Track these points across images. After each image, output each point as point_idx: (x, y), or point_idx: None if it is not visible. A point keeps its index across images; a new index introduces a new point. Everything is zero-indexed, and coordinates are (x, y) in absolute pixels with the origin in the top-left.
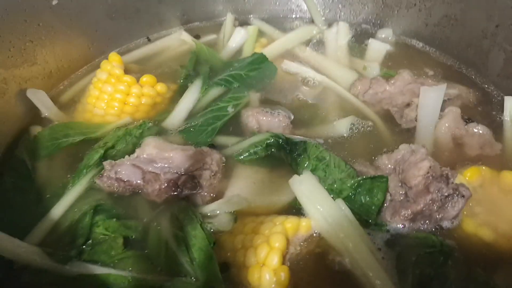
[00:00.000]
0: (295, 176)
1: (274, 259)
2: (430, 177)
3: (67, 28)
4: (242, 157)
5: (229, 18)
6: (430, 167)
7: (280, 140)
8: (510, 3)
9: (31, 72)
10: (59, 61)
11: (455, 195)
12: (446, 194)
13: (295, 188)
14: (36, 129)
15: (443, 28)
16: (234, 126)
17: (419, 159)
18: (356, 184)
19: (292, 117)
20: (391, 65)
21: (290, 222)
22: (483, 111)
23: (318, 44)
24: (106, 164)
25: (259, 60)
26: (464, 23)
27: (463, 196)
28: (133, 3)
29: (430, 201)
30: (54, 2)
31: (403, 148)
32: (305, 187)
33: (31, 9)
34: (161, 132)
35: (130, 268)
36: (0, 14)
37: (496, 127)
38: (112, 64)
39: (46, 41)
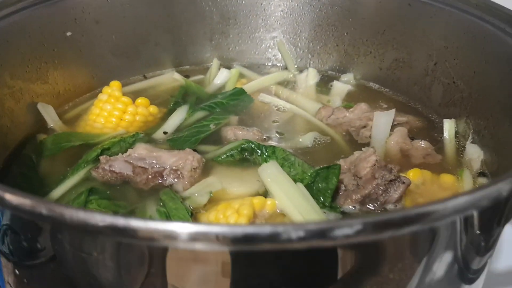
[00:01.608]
0: (263, 164)
1: (242, 222)
2: (376, 167)
3: (77, 57)
4: (220, 158)
5: (215, 63)
6: (376, 160)
7: (253, 145)
8: (443, 43)
9: (43, 89)
10: (66, 84)
11: (397, 181)
12: (389, 179)
13: (262, 173)
14: (42, 136)
15: (394, 71)
16: (214, 138)
17: (367, 155)
18: (314, 173)
19: (265, 136)
20: (351, 101)
21: (257, 199)
22: (427, 134)
23: (290, 84)
24: (102, 158)
25: (239, 93)
26: (410, 64)
27: (403, 182)
28: (134, 45)
29: (376, 185)
30: (68, 34)
31: (357, 153)
32: (271, 171)
33: (49, 36)
34: (151, 141)
35: None
36: (24, 36)
37: (438, 146)
38: (112, 88)
39: (58, 65)
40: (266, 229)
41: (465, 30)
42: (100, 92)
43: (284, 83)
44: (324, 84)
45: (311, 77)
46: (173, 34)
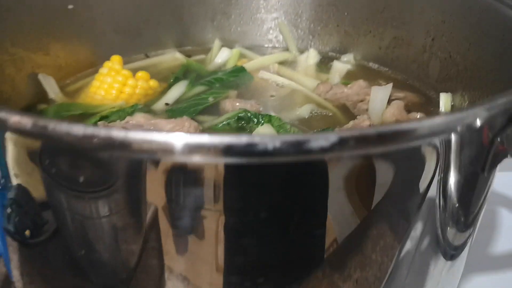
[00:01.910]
0: (258, 127)
1: None
2: None
3: (78, 32)
4: (217, 127)
5: (216, 44)
6: (369, 125)
7: (249, 114)
8: (441, 18)
9: (44, 60)
10: (68, 58)
11: None
12: None
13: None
14: (43, 106)
15: (393, 49)
16: (213, 110)
17: (361, 121)
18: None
19: (261, 108)
20: (350, 79)
21: None
22: (424, 108)
23: (291, 64)
24: (100, 123)
25: (239, 70)
26: (409, 41)
27: None
28: (136, 23)
29: None
30: (70, 7)
31: (352, 121)
32: (264, 132)
33: (50, 6)
34: (149, 112)
35: None
36: (25, 4)
37: None
38: (113, 62)
39: (59, 38)
40: (243, 139)
41: (461, 2)
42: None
43: (285, 64)
44: (324, 64)
45: (311, 57)
46: (175, 14)
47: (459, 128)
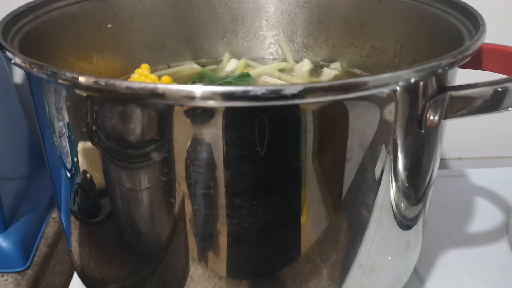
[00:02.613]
0: None
1: None
2: None
3: (115, 46)
4: None
5: (226, 56)
6: None
7: None
8: (406, 29)
9: (88, 67)
10: (106, 66)
11: None
12: None
13: None
14: None
15: (372, 57)
16: None
17: None
18: None
19: None
20: None
21: None
22: None
23: (289, 72)
24: None
25: (244, 76)
26: (384, 49)
27: None
28: (160, 39)
29: None
30: (109, 25)
31: None
32: None
33: (95, 25)
34: None
35: None
36: (77, 23)
37: None
38: (143, 69)
39: (100, 50)
40: (240, 88)
41: (421, 16)
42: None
43: (284, 71)
44: (316, 71)
45: (305, 65)
46: (192, 32)
47: (399, 84)
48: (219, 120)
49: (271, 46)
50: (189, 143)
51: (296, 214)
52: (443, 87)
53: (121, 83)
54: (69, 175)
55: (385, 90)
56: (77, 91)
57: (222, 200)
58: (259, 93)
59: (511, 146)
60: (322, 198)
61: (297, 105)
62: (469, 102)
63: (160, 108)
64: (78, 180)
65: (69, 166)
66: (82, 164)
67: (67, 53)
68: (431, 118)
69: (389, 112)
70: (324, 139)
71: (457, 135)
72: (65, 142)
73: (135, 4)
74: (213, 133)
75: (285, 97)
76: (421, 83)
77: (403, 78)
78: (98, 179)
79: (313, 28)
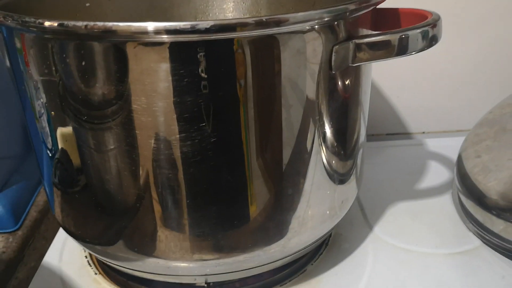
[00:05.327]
0: None
1: None
2: None
3: None
4: None
5: None
6: None
7: None
8: None
9: None
10: None
11: None
12: None
13: None
14: None
15: None
16: None
17: None
18: None
19: None
20: None
21: None
22: None
23: None
24: None
25: None
26: None
27: None
28: (136, 20)
29: None
30: (87, 4)
31: None
32: None
33: (72, 4)
34: None
35: None
36: (55, 0)
37: None
38: None
39: None
40: (189, 23)
41: None
42: None
43: None
44: None
45: None
46: (167, 13)
47: (314, 26)
48: (165, 52)
49: None
50: (143, 75)
51: (236, 137)
52: (350, 36)
53: (81, 23)
54: (43, 124)
55: (299, 29)
56: (44, 36)
57: (174, 126)
58: (201, 28)
59: (469, 120)
60: (259, 122)
61: (230, 39)
62: (375, 49)
63: (115, 45)
64: (44, 123)
65: (40, 115)
66: (49, 106)
67: None
68: (339, 62)
69: (307, 51)
70: (256, 70)
71: (422, 111)
72: (35, 91)
73: None
74: (161, 65)
75: (200, 31)
76: (332, 26)
77: (316, 18)
78: (62, 118)
79: (274, 8)
